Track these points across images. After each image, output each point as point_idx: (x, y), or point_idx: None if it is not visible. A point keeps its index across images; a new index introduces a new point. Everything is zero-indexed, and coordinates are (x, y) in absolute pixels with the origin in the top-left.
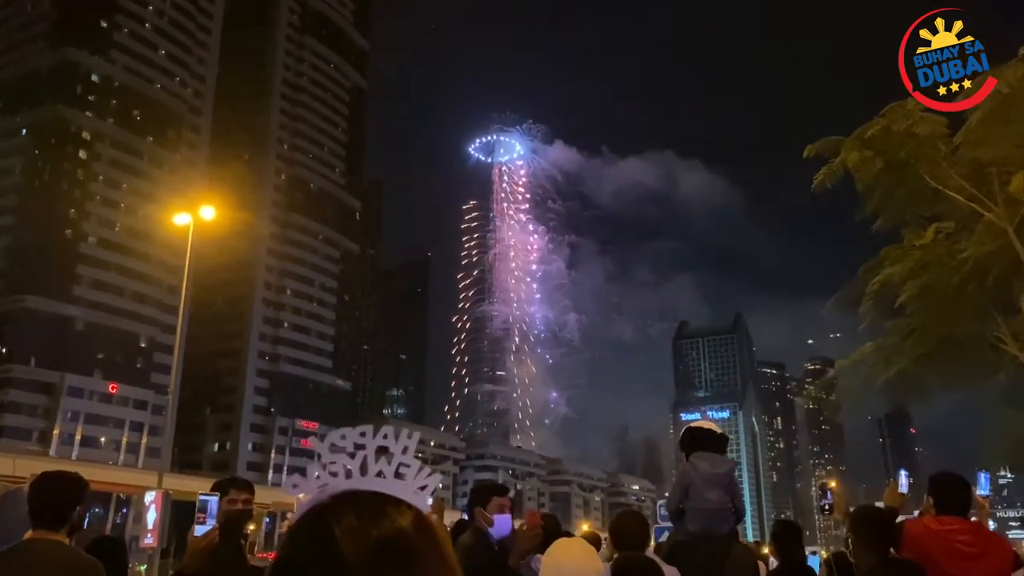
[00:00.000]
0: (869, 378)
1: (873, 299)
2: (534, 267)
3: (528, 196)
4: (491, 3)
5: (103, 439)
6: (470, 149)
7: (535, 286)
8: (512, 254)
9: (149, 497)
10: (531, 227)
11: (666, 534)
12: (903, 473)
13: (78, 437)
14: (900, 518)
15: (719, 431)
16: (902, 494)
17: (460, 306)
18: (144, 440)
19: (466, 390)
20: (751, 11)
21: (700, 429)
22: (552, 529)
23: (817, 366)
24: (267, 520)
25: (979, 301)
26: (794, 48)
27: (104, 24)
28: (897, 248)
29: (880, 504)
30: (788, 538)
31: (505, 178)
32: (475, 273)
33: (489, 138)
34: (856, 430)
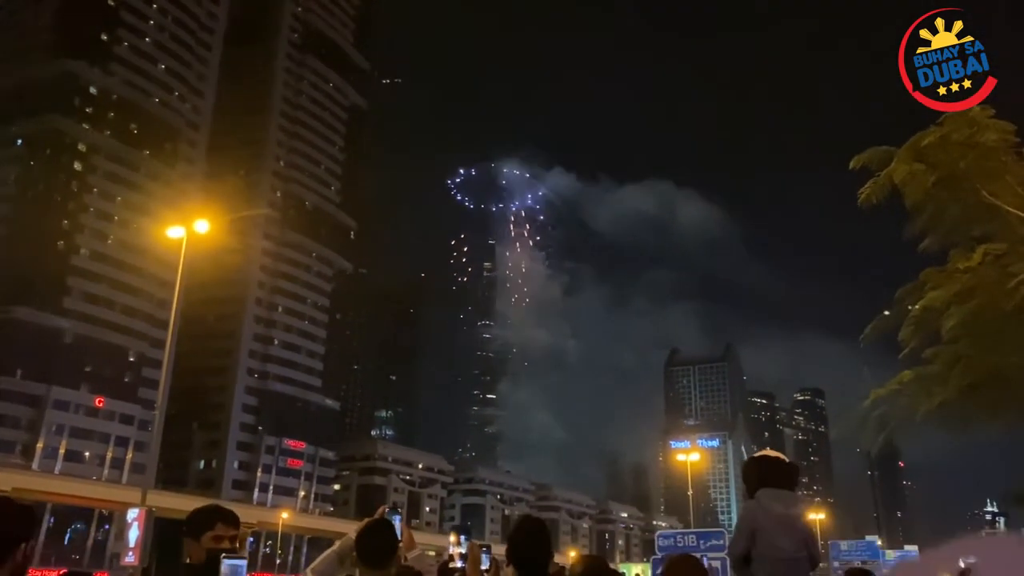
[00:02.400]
0: (908, 409)
1: (914, 325)
2: (532, 292)
3: (527, 222)
4: (495, 27)
5: (87, 453)
6: (470, 172)
7: (533, 311)
8: (511, 278)
9: (132, 514)
10: (530, 252)
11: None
12: None
13: (62, 451)
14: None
15: (788, 460)
16: None
17: (454, 329)
18: (129, 455)
19: (458, 413)
20: (753, 42)
21: (767, 459)
22: (597, 573)
23: (807, 396)
24: (251, 540)
25: None
26: (797, 80)
27: (105, 37)
28: (939, 271)
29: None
30: None
31: (504, 203)
32: (471, 296)
33: (489, 163)
34: (844, 463)
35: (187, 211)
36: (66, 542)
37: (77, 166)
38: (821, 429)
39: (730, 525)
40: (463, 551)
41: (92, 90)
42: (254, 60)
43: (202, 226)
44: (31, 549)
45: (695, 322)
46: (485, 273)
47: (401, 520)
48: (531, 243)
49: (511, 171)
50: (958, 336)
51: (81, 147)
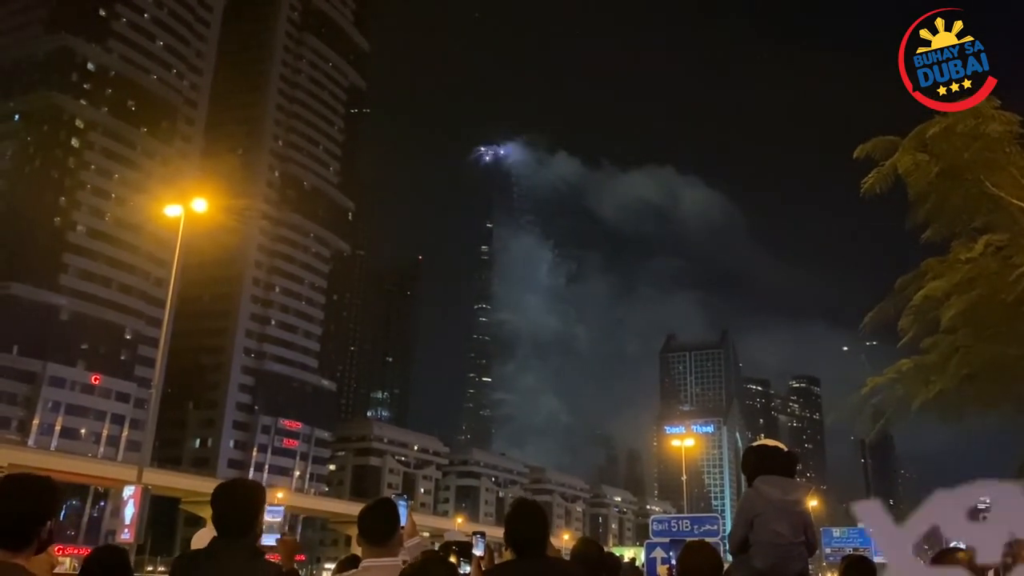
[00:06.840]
0: (905, 397)
1: (914, 314)
2: (530, 276)
3: (530, 206)
4: (499, 8)
5: (83, 430)
6: (471, 156)
7: (530, 294)
8: (509, 262)
9: (128, 491)
10: (529, 236)
11: (658, 549)
12: None
13: (58, 428)
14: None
15: (787, 449)
16: None
17: (450, 312)
18: (125, 433)
19: (453, 395)
20: (755, 26)
21: (766, 448)
22: (594, 556)
23: (802, 384)
24: None
25: None
26: (796, 65)
27: (103, 12)
28: (940, 261)
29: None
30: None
31: (506, 186)
32: (468, 279)
33: (491, 146)
34: (838, 450)
35: (184, 189)
36: (62, 518)
37: (74, 142)
38: (815, 416)
39: (723, 511)
40: (477, 552)
41: (90, 66)
42: (253, 38)
43: (200, 205)
44: (55, 526)
45: (694, 309)
46: (482, 256)
47: (407, 507)
48: (530, 226)
49: (511, 154)
50: (957, 326)
51: (78, 123)
